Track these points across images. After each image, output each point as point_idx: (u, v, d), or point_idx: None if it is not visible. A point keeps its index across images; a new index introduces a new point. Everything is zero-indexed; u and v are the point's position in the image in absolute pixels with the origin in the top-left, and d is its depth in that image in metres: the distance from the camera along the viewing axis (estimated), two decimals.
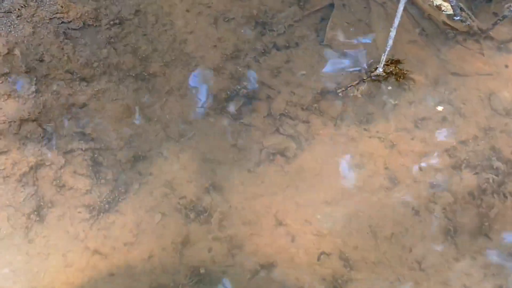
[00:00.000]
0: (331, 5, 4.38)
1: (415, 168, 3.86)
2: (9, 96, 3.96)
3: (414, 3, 4.36)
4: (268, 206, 3.75)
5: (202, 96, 4.10)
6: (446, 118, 4.00)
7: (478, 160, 3.86)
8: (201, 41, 4.27)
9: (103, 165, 3.85)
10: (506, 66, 4.18)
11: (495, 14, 4.36)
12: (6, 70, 4.02)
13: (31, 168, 3.80)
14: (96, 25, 4.26)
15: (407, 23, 4.29)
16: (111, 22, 4.26)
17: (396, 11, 3.86)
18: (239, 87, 4.12)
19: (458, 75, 4.15)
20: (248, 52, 4.25)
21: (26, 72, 4.06)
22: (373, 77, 4.10)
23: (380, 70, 4.07)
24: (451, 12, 4.31)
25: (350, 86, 4.10)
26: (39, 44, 4.15)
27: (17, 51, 4.10)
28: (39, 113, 3.95)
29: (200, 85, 4.14)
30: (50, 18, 4.22)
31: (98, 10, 4.27)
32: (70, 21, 4.23)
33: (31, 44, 4.13)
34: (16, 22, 4.18)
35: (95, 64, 4.14)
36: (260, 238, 3.66)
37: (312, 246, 3.64)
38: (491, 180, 3.80)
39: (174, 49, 4.24)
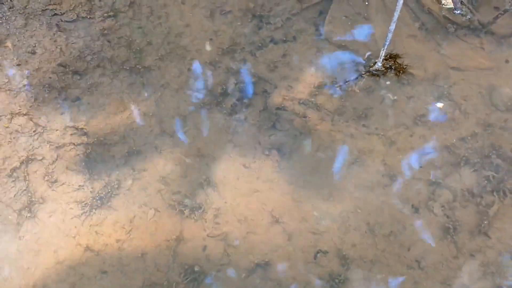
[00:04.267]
0: None
1: (414, 165, 3.79)
2: (0, 89, 3.89)
3: None
4: (264, 203, 3.68)
5: (197, 90, 4.02)
6: (446, 114, 3.94)
7: (477, 157, 3.80)
8: (196, 34, 4.20)
9: (96, 160, 3.78)
10: (507, 61, 4.11)
11: (496, 8, 4.29)
12: None
13: (22, 162, 3.73)
14: (89, 17, 4.18)
15: (406, 17, 4.22)
16: (105, 14, 4.18)
17: (395, 5, 3.79)
18: (235, 82, 4.05)
19: (458, 70, 4.09)
20: (245, 45, 4.18)
21: (18, 65, 3.98)
22: (372, 72, 4.03)
23: (379, 64, 4.00)
24: (451, 5, 4.24)
25: (348, 81, 4.03)
26: (31, 36, 4.07)
27: (8, 43, 4.03)
28: (30, 106, 3.88)
29: (196, 79, 4.06)
30: (43, 10, 4.14)
31: (92, 2, 4.19)
32: (63, 13, 4.15)
33: (23, 36, 4.06)
34: (8, 13, 4.10)
35: (89, 57, 4.06)
36: (255, 236, 3.60)
37: (309, 244, 3.58)
38: (490, 178, 3.74)
39: (169, 42, 4.16)
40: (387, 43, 3.88)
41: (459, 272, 3.49)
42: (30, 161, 3.74)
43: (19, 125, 3.82)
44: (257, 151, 3.84)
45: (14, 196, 3.64)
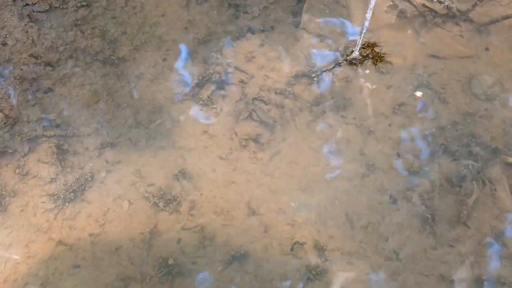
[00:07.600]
0: None
1: (393, 154, 3.75)
2: None
3: None
4: (241, 194, 3.63)
5: (173, 81, 3.96)
6: (424, 103, 3.89)
7: (457, 146, 3.75)
8: (172, 24, 4.13)
9: (69, 153, 3.71)
10: (487, 49, 4.07)
11: None
12: None
13: None
14: (62, 7, 4.11)
15: (385, 5, 4.17)
16: (78, 4, 4.12)
17: None
18: (211, 72, 3.98)
19: (438, 58, 4.04)
20: (221, 35, 4.11)
21: None
22: (349, 61, 3.97)
23: (356, 53, 3.94)
24: None
25: (325, 70, 3.97)
26: (2, 27, 3.99)
27: None
28: (1, 98, 3.80)
29: (171, 70, 4.00)
30: (14, 0, 4.07)
31: None
32: (35, 3, 4.08)
33: None
34: None
35: (61, 48, 3.99)
36: (232, 228, 3.54)
37: (286, 236, 3.52)
38: (470, 167, 3.69)
39: (144, 32, 4.10)
40: (364, 31, 3.83)
41: (437, 262, 3.44)
42: (1, 154, 3.66)
43: None
44: (233, 142, 3.78)
45: None
